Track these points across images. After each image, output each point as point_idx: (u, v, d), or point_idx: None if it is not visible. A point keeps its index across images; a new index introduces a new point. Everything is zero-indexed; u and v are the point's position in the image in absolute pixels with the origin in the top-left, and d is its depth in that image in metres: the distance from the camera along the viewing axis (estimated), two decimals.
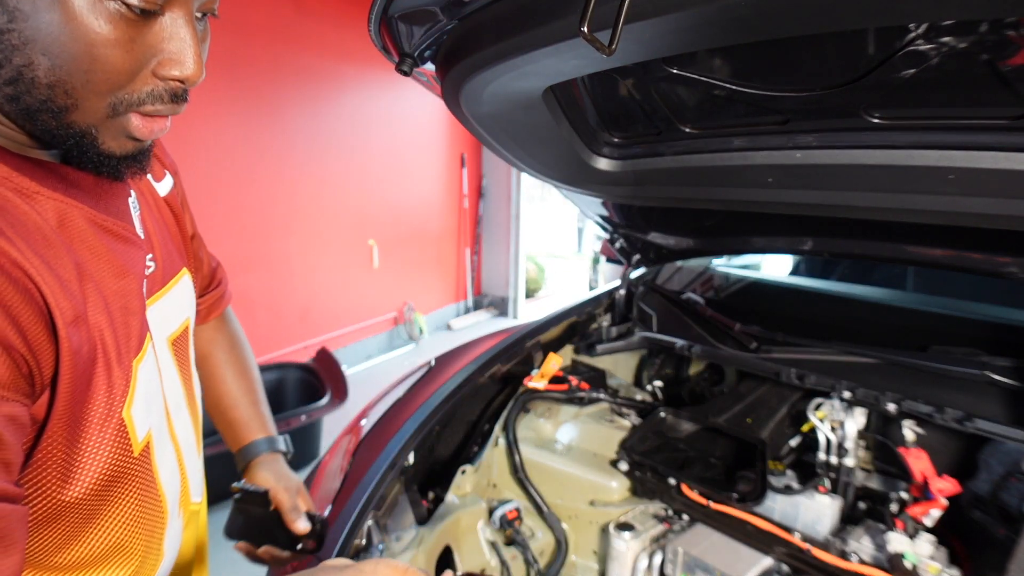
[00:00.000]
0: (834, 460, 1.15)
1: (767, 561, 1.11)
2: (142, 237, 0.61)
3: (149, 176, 0.70)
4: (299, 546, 0.86)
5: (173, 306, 0.67)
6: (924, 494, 1.05)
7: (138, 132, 0.50)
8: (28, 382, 0.44)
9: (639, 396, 1.59)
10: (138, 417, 0.55)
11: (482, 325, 5.80)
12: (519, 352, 1.55)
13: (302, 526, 0.86)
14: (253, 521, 0.87)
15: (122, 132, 0.50)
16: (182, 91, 0.51)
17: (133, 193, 0.63)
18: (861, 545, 1.03)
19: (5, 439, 0.41)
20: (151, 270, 0.62)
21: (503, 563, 1.25)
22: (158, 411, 0.61)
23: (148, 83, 0.48)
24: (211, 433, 0.90)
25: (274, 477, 0.89)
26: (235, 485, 0.87)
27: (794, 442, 1.31)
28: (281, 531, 0.86)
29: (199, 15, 0.51)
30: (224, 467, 2.82)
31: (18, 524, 0.41)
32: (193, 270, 0.79)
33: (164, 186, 0.72)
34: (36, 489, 0.47)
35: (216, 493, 2.72)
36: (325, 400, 3.07)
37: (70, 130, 0.47)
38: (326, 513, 1.15)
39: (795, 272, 2.31)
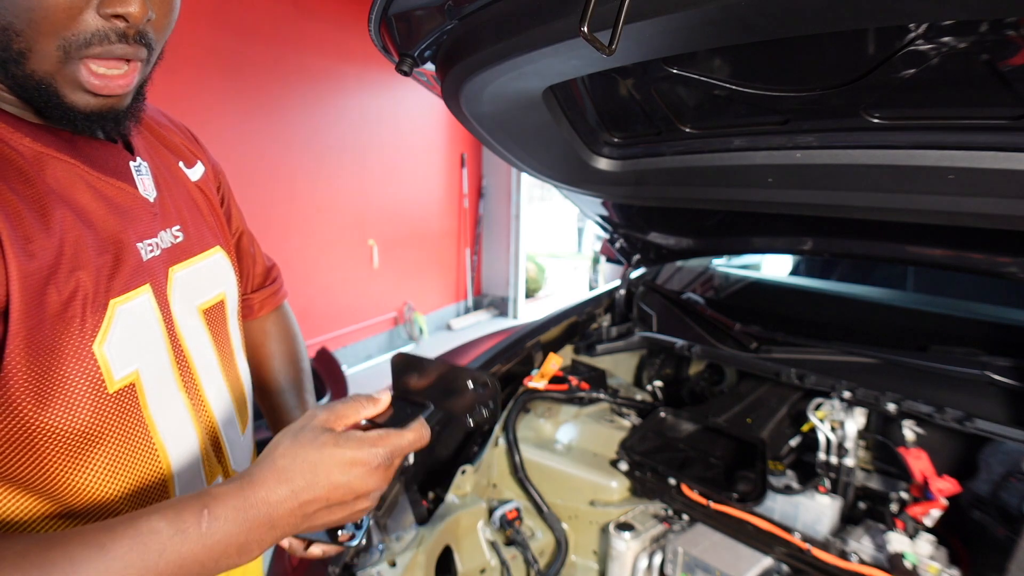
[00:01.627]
0: (834, 460, 1.15)
1: (767, 561, 1.11)
2: (151, 200, 0.65)
3: (181, 164, 0.74)
4: (339, 533, 0.72)
5: (203, 277, 0.71)
6: (924, 494, 1.05)
7: (89, 83, 0.51)
8: None
9: (639, 396, 1.59)
10: (113, 355, 0.56)
11: (482, 325, 5.80)
12: (519, 352, 1.55)
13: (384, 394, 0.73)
14: (410, 361, 0.73)
15: (78, 84, 0.51)
16: (132, 31, 0.51)
17: (139, 159, 0.65)
18: (861, 545, 1.03)
19: None
20: (179, 240, 0.67)
21: (503, 563, 1.25)
22: (157, 359, 0.63)
23: (93, 23, 0.48)
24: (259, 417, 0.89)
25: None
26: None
27: (794, 442, 1.31)
28: None
29: None
30: None
31: None
32: (233, 254, 0.82)
33: (195, 172, 0.76)
34: (7, 408, 0.50)
35: None
36: (325, 400, 3.06)
37: (32, 80, 0.50)
38: None
39: (795, 272, 2.31)
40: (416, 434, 0.57)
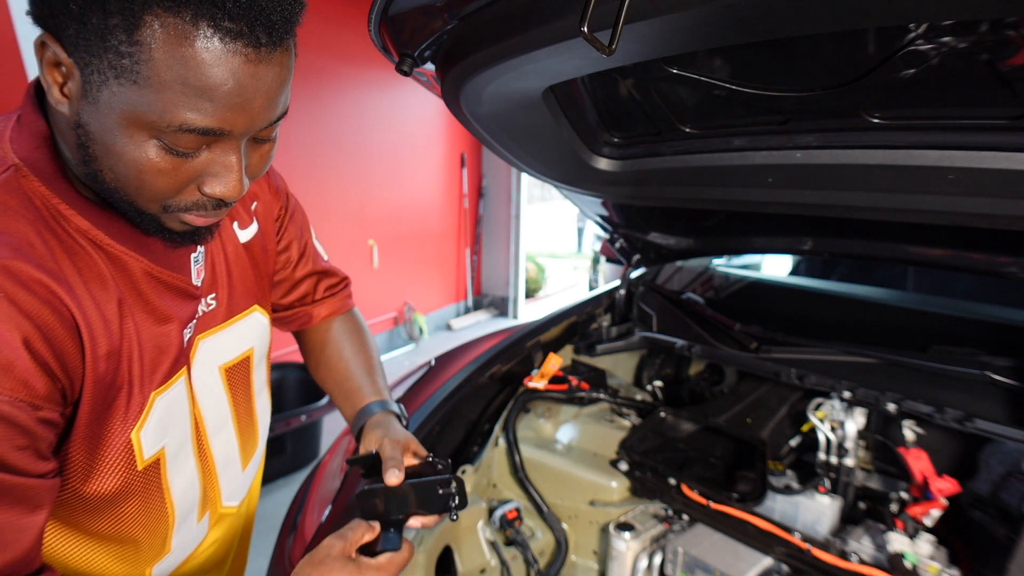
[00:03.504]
0: (834, 460, 1.15)
1: (767, 561, 1.11)
2: (199, 286, 0.69)
3: (235, 224, 0.78)
4: (445, 498, 0.74)
5: (233, 339, 0.76)
6: (924, 494, 1.05)
7: (193, 223, 0.58)
8: (61, 396, 0.54)
9: (639, 396, 1.59)
10: (147, 439, 0.64)
11: (482, 325, 5.80)
12: (519, 352, 1.55)
13: (392, 478, 0.73)
14: (375, 493, 0.75)
15: (178, 220, 0.57)
16: (224, 203, 0.57)
17: (199, 248, 0.70)
18: (861, 545, 1.03)
19: (40, 434, 0.52)
20: (211, 308, 0.72)
21: (503, 563, 1.25)
22: (180, 434, 0.70)
23: (194, 195, 0.55)
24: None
25: (382, 432, 0.82)
26: (347, 460, 0.84)
27: (794, 442, 1.31)
28: (407, 494, 0.75)
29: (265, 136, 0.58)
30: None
31: (47, 493, 0.54)
32: (269, 307, 0.86)
33: (247, 233, 0.79)
34: (63, 481, 0.59)
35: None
36: (325, 400, 3.06)
37: (132, 210, 0.56)
38: (326, 512, 1.15)
39: (795, 272, 2.31)
40: (409, 552, 0.70)
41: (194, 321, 0.69)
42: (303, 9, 0.54)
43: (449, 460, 0.82)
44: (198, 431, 0.74)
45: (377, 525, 0.72)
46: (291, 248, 0.90)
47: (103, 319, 0.57)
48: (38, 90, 0.57)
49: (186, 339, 0.68)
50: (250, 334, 0.80)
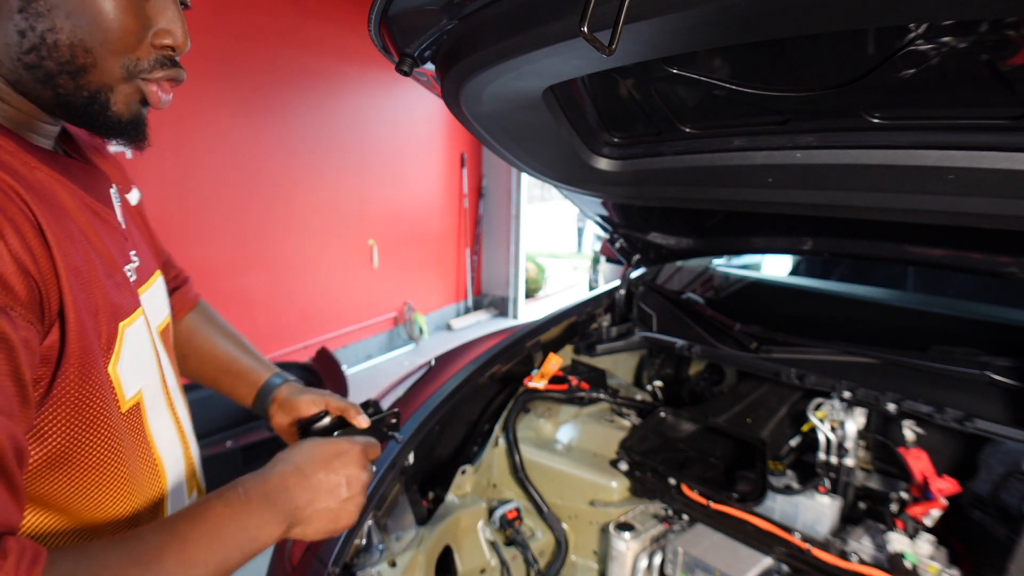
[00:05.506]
0: (834, 460, 1.15)
1: (767, 561, 1.11)
2: (123, 227, 0.67)
3: (115, 188, 0.73)
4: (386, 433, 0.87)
5: (157, 299, 0.73)
6: (924, 494, 1.05)
7: (152, 98, 0.58)
8: (40, 311, 0.49)
9: (639, 396, 1.59)
10: (124, 376, 0.60)
11: (482, 325, 5.80)
12: (519, 352, 1.55)
13: (363, 421, 0.85)
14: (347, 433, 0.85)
15: (136, 96, 0.57)
16: (174, 59, 0.59)
17: (114, 186, 0.68)
18: (861, 545, 1.03)
19: (22, 358, 0.45)
20: (136, 264, 0.68)
21: (503, 563, 1.25)
22: (152, 380, 0.67)
23: (150, 52, 0.56)
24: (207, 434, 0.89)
25: (312, 395, 0.87)
26: (298, 423, 0.87)
27: (794, 442, 1.31)
28: (357, 433, 0.86)
29: None
30: (224, 466, 2.80)
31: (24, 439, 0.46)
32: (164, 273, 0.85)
33: (133, 196, 0.77)
34: (52, 426, 0.52)
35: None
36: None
37: (85, 91, 0.54)
38: None
39: (795, 272, 2.31)
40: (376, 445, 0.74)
41: (132, 265, 0.66)
42: None
43: (372, 398, 0.92)
44: (165, 385, 0.70)
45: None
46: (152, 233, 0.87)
47: (63, 234, 0.52)
48: None
49: (131, 280, 0.65)
50: (163, 298, 0.76)
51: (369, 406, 0.89)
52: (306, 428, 0.85)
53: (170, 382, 0.73)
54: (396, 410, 0.89)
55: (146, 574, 0.48)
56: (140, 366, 0.63)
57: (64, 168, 0.58)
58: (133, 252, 0.68)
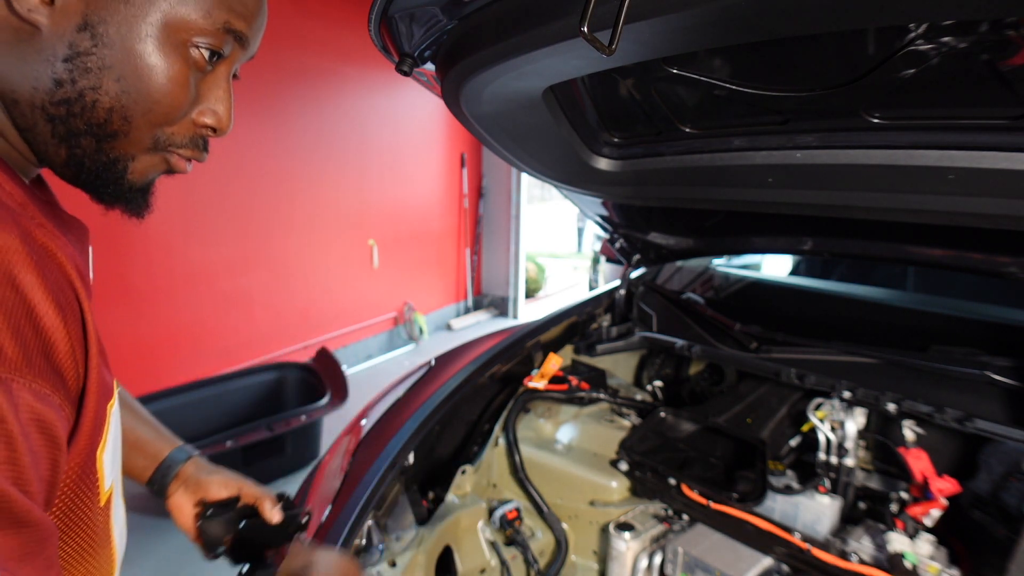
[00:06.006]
0: (834, 460, 1.15)
1: (767, 561, 1.11)
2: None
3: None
4: (293, 531, 0.82)
5: (116, 430, 0.61)
6: (924, 494, 1.05)
7: (177, 166, 0.54)
8: (76, 400, 0.43)
9: (639, 396, 1.59)
10: (106, 464, 0.51)
11: (482, 325, 5.80)
12: (519, 352, 1.55)
13: (277, 515, 0.81)
14: (238, 533, 0.80)
15: (158, 167, 0.53)
16: (207, 139, 0.55)
17: (90, 252, 0.60)
18: (861, 545, 1.03)
19: (60, 456, 0.39)
20: None
21: (503, 563, 1.25)
22: (118, 466, 0.57)
23: (188, 127, 0.52)
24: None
25: (223, 476, 0.81)
26: (204, 503, 0.80)
27: (794, 442, 1.31)
28: (267, 526, 0.82)
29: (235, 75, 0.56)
30: None
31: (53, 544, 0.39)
32: None
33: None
34: (73, 520, 0.46)
35: None
36: (325, 400, 3.06)
37: (105, 156, 0.49)
38: (326, 512, 1.16)
39: (795, 272, 2.31)
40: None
41: None
42: None
43: (285, 492, 0.87)
44: (122, 471, 0.61)
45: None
46: None
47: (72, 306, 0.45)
48: None
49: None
50: (119, 433, 0.65)
51: (281, 499, 0.84)
52: (212, 514, 0.78)
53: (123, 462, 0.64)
54: (309, 510, 0.85)
55: None
56: (115, 452, 0.54)
57: (62, 224, 0.51)
58: None
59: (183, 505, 0.80)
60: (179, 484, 0.80)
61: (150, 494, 0.81)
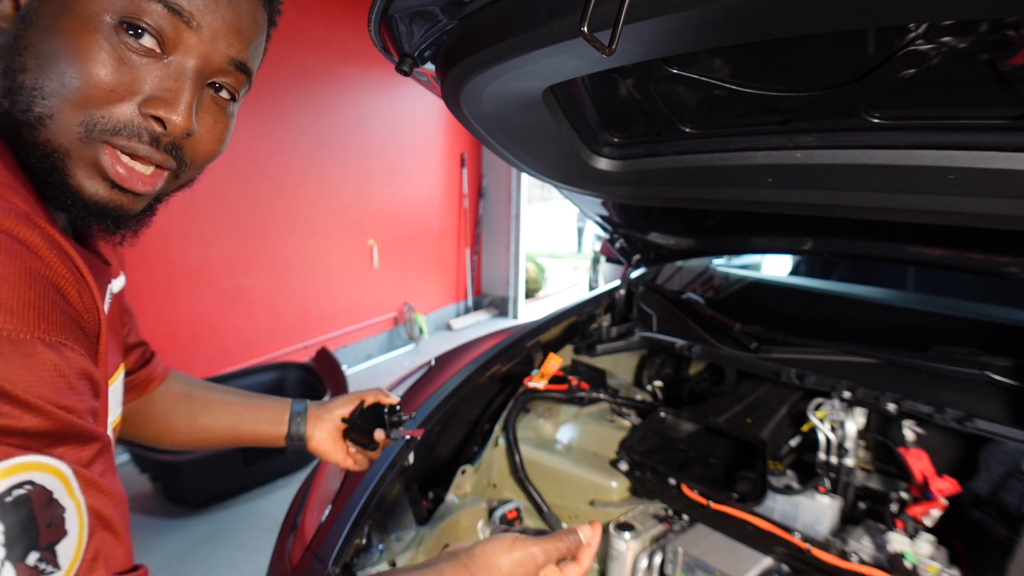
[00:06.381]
0: (834, 460, 1.15)
1: (767, 561, 1.11)
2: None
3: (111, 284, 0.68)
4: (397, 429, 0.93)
5: (115, 395, 0.66)
6: (924, 494, 1.05)
7: (112, 170, 0.49)
8: (93, 354, 0.50)
9: (639, 396, 1.59)
10: None
11: (482, 325, 5.80)
12: (519, 352, 1.55)
13: (394, 398, 0.93)
14: (360, 415, 0.93)
15: (93, 165, 0.48)
16: (167, 140, 0.50)
17: (112, 283, 0.62)
18: (861, 545, 1.03)
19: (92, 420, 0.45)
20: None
21: None
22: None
23: (129, 114, 0.48)
24: None
25: (340, 398, 0.93)
26: (342, 420, 0.93)
27: (794, 442, 1.31)
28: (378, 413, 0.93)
29: (224, 93, 0.54)
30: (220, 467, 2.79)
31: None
32: (130, 355, 0.83)
33: (118, 283, 0.70)
34: None
35: (213, 494, 2.66)
36: (325, 400, 3.06)
37: (42, 150, 0.47)
38: (326, 512, 1.16)
39: (795, 272, 2.31)
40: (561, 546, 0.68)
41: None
42: None
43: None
44: None
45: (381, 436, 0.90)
46: (130, 309, 0.82)
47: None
48: None
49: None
50: (120, 395, 0.69)
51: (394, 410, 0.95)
52: (353, 421, 0.92)
53: None
54: (413, 414, 0.98)
55: None
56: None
57: (85, 258, 0.51)
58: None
59: (324, 438, 0.91)
60: (313, 423, 0.91)
61: (292, 448, 0.94)
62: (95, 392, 0.46)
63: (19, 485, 0.38)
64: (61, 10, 0.46)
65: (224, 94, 0.54)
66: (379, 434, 0.91)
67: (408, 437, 0.95)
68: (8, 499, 0.37)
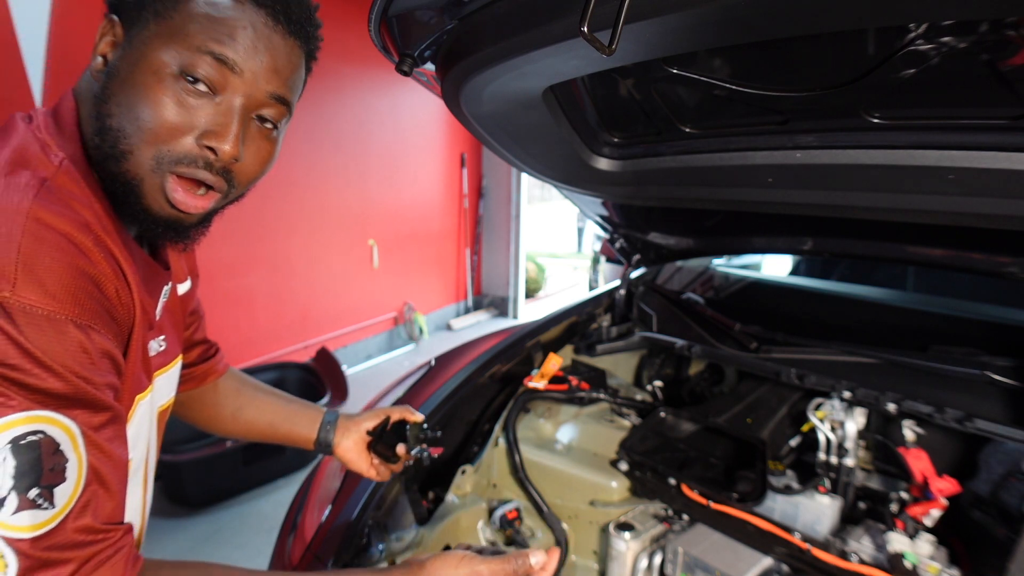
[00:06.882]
0: (834, 460, 1.15)
1: (767, 561, 1.11)
2: (157, 319, 0.73)
3: (168, 286, 0.79)
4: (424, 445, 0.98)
5: (169, 382, 0.79)
6: (924, 494, 1.05)
7: (172, 195, 0.61)
8: (121, 343, 0.59)
9: (639, 396, 1.59)
10: (128, 441, 0.65)
11: (482, 325, 5.80)
12: (519, 352, 1.55)
13: (419, 415, 0.99)
14: (385, 430, 0.99)
15: (160, 190, 0.60)
16: (219, 165, 0.61)
17: (168, 284, 0.75)
18: (861, 545, 1.03)
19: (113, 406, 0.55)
20: (162, 348, 0.75)
21: None
22: (140, 452, 0.72)
23: (188, 146, 0.60)
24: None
25: (369, 412, 1.00)
26: (368, 433, 0.98)
27: (794, 442, 1.31)
28: (404, 430, 0.98)
29: (266, 121, 0.65)
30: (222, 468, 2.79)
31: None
32: (191, 351, 0.94)
33: (183, 287, 0.84)
34: None
35: (213, 494, 2.67)
36: (325, 400, 3.07)
37: (123, 178, 0.59)
38: (326, 512, 1.16)
39: (795, 272, 2.31)
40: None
41: (154, 350, 0.73)
42: (318, 28, 0.69)
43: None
44: (147, 459, 0.75)
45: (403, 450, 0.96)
46: (198, 310, 0.94)
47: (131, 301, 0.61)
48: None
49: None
50: (175, 382, 0.82)
51: (423, 422, 1.00)
52: (378, 435, 0.97)
53: (151, 458, 0.78)
54: (440, 432, 1.01)
55: None
56: (137, 437, 0.69)
57: (135, 258, 0.64)
58: (161, 338, 0.75)
59: (350, 447, 0.98)
60: (341, 433, 0.98)
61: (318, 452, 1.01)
62: (116, 371, 0.56)
63: (33, 432, 0.48)
64: (135, 65, 0.58)
65: (268, 124, 0.65)
66: (401, 448, 0.97)
67: (428, 453, 0.98)
68: (23, 442, 0.48)
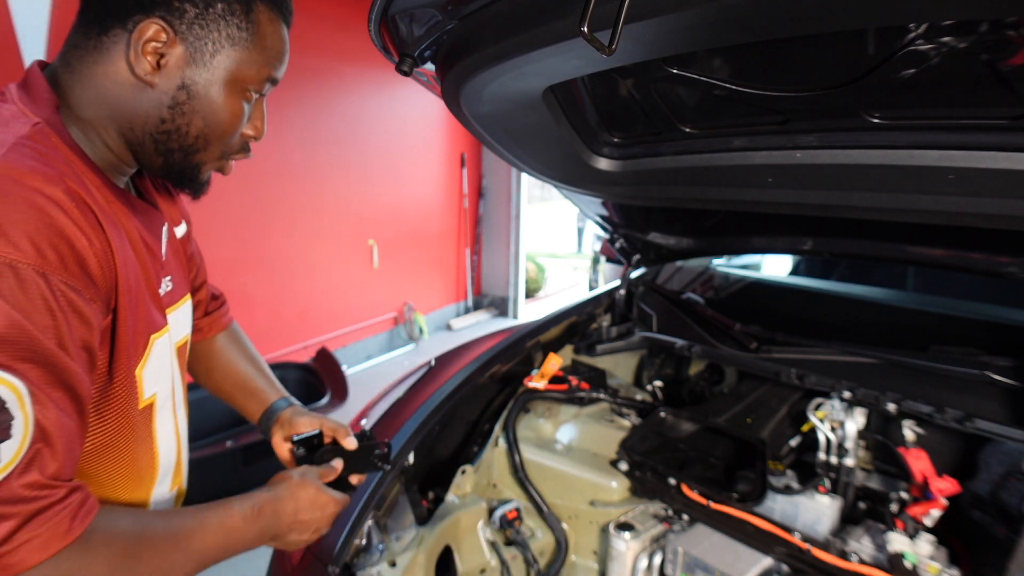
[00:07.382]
0: (834, 460, 1.15)
1: (767, 561, 1.11)
2: (164, 258, 0.80)
3: (166, 226, 0.86)
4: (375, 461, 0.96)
5: (182, 319, 0.86)
6: (924, 494, 1.05)
7: (227, 169, 0.77)
8: (106, 304, 0.62)
9: (639, 396, 1.59)
10: (147, 379, 0.73)
11: (482, 325, 5.80)
12: (519, 352, 1.55)
13: (352, 443, 0.95)
14: (312, 457, 0.95)
15: (217, 167, 0.75)
16: (251, 142, 0.78)
17: (166, 224, 0.82)
18: (861, 545, 1.03)
19: (93, 338, 0.59)
20: (170, 288, 0.81)
21: (503, 563, 1.25)
22: (165, 387, 0.79)
23: (239, 138, 0.75)
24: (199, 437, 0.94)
25: (310, 416, 0.98)
26: (293, 439, 0.95)
27: (794, 442, 1.31)
28: (348, 454, 0.95)
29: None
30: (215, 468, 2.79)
31: (89, 404, 0.61)
32: (194, 296, 0.98)
33: (180, 230, 0.91)
34: (110, 407, 0.68)
35: (213, 494, 2.67)
36: (325, 400, 3.06)
37: (188, 163, 0.71)
38: None
39: (795, 272, 2.31)
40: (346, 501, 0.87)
41: (164, 288, 0.79)
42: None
43: (370, 429, 0.99)
44: (173, 393, 0.82)
45: (340, 465, 0.91)
46: (196, 253, 0.98)
47: (124, 257, 0.65)
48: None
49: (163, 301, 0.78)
50: (188, 319, 0.88)
51: (364, 437, 0.97)
52: (298, 443, 0.94)
53: (178, 391, 0.84)
54: (388, 442, 0.98)
55: (174, 549, 0.63)
56: (158, 373, 0.76)
57: (131, 205, 0.72)
58: (168, 278, 0.81)
59: (280, 443, 0.98)
60: (278, 426, 0.98)
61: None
62: (86, 326, 0.58)
63: None
64: (212, 85, 0.68)
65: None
66: (354, 479, 0.96)
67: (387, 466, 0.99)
68: None
